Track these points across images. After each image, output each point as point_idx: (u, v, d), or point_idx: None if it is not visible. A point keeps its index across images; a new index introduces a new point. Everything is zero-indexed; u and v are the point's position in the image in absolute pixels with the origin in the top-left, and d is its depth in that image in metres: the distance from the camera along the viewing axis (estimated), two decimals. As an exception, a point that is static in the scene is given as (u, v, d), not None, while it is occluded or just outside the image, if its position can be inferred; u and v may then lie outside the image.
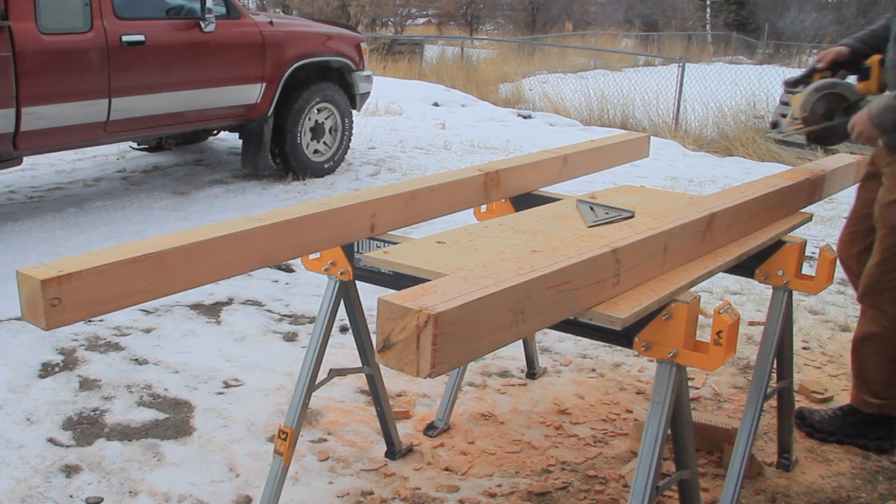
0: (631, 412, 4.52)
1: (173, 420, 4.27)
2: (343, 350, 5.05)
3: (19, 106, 6.75)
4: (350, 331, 3.82)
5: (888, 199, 3.89)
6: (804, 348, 5.43)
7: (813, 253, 6.23)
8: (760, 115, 14.76)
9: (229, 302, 5.88)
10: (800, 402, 4.57)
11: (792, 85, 3.81)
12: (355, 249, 3.29)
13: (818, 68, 3.76)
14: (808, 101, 3.57)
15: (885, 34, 3.90)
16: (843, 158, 4.17)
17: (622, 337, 2.68)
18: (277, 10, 38.41)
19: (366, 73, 10.16)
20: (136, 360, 4.89)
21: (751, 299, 6.31)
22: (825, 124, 3.72)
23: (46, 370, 4.70)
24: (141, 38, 7.55)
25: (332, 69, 9.82)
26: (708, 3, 48.10)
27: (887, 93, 3.58)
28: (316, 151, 9.67)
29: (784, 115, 3.67)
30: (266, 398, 4.52)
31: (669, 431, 2.82)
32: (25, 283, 2.27)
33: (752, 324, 5.81)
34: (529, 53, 29.67)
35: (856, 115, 3.63)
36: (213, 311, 5.71)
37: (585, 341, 5.28)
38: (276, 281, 6.32)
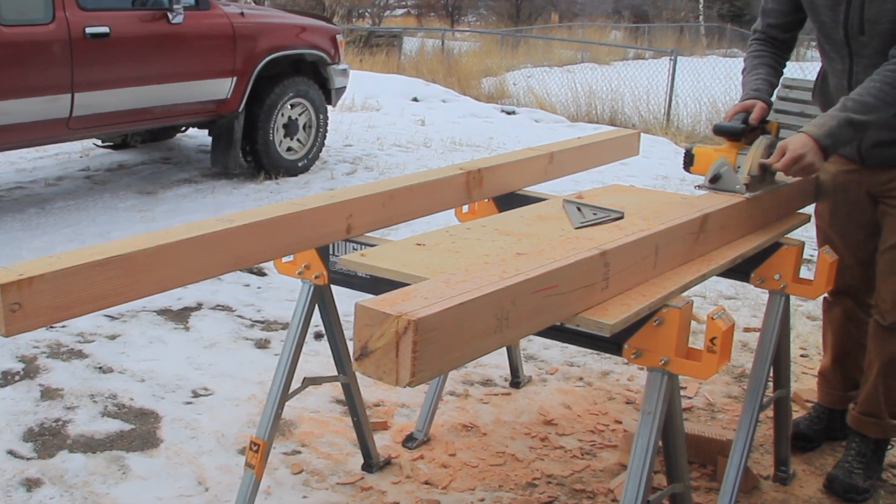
0: (620, 423, 4.53)
1: (139, 431, 4.26)
2: (318, 358, 5.05)
3: (-24, 101, 6.74)
4: (325, 337, 3.82)
5: None
6: (802, 356, 5.45)
7: (811, 255, 6.25)
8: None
9: (198, 307, 5.87)
10: (797, 412, 4.58)
11: (728, 133, 3.63)
12: (331, 252, 3.29)
13: (753, 126, 3.64)
14: (762, 157, 3.55)
15: (774, 79, 3.93)
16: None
17: (611, 344, 2.69)
18: (249, 0, 38.35)
19: (342, 66, 10.16)
20: (100, 368, 4.87)
21: (746, 304, 6.33)
22: (769, 181, 3.68)
23: (6, 379, 4.67)
24: (105, 29, 7.53)
25: (306, 63, 9.81)
26: (701, -7, 48.25)
27: (824, 115, 3.45)
28: (289, 149, 9.65)
29: (724, 167, 3.59)
30: (237, 408, 4.51)
31: (660, 443, 2.83)
32: (-17, 288, 2.26)
33: (747, 330, 5.83)
34: (513, 46, 29.64)
35: (791, 147, 3.40)
36: (181, 316, 5.70)
37: (572, 348, 5.28)
38: (248, 285, 6.32)
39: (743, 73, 4.01)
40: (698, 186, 3.52)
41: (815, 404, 4.50)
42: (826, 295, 4.21)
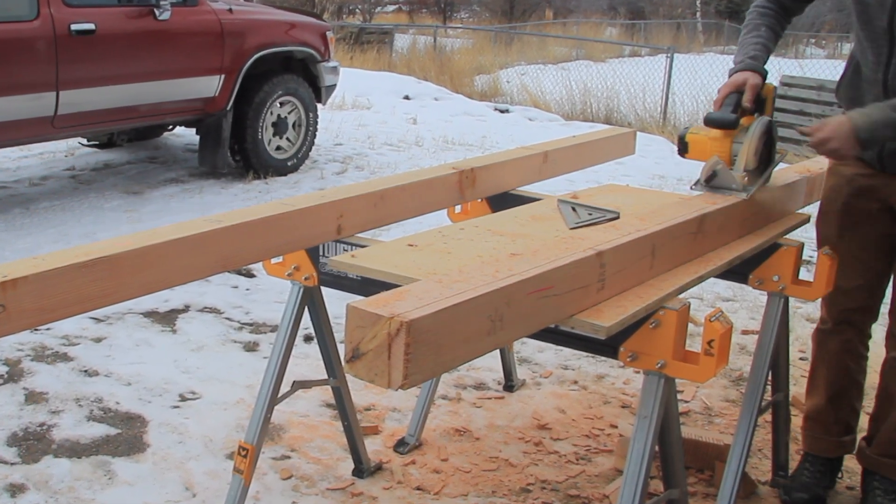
0: (616, 427, 4.53)
1: (125, 436, 4.25)
2: (307, 361, 5.05)
3: (-41, 99, 6.73)
4: (315, 340, 3.81)
5: None
6: (801, 359, 5.46)
7: (811, 256, 6.26)
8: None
9: (185, 309, 5.86)
10: (796, 415, 4.59)
11: (720, 126, 3.46)
12: (321, 253, 3.29)
13: (747, 108, 3.47)
14: (758, 149, 3.44)
15: (772, 43, 3.72)
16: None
17: (607, 347, 2.69)
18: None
19: (332, 64, 10.15)
20: (85, 371, 4.86)
21: (744, 306, 6.33)
22: (768, 172, 3.58)
23: (-12, 383, 4.68)
24: (91, 26, 7.51)
25: (295, 60, 9.81)
26: (698, -11, 48.31)
27: (875, 105, 3.33)
28: (278, 148, 9.64)
29: (720, 165, 3.49)
30: (225, 412, 4.51)
31: (657, 448, 2.83)
32: (-34, 290, 2.26)
33: (745, 332, 5.84)
34: (507, 43, 29.69)
35: (826, 127, 3.33)
36: (168, 319, 5.69)
37: (567, 351, 5.28)
38: (236, 287, 6.31)
39: (743, 28, 3.81)
40: (693, 186, 3.45)
41: (808, 455, 4.11)
42: (819, 325, 4.00)
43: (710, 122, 3.46)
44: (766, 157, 3.45)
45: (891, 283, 3.83)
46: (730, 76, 3.55)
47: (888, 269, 3.77)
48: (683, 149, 3.62)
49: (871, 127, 3.21)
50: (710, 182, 3.39)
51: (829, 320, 3.93)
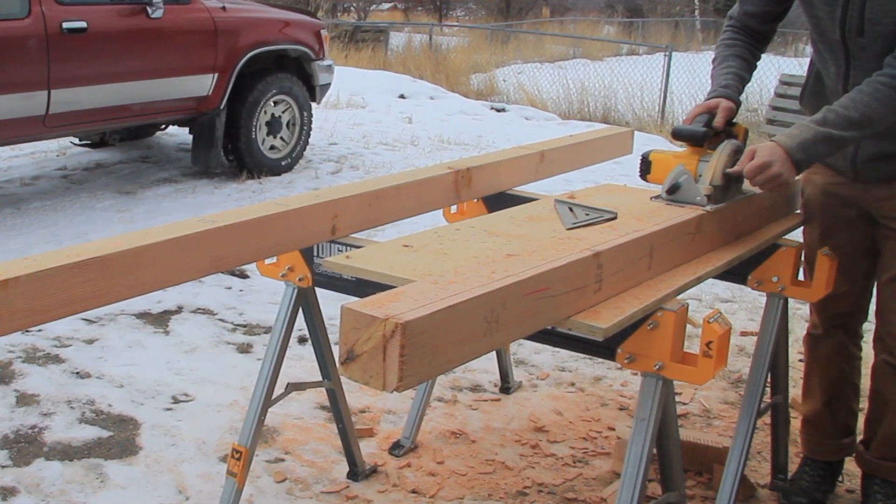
0: (613, 430, 4.53)
1: (118, 438, 4.25)
2: (301, 362, 5.05)
3: (-51, 98, 6.72)
4: (309, 341, 3.81)
5: None
6: (800, 360, 5.43)
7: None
8: (753, 107, 14.85)
9: (178, 310, 5.86)
10: (795, 417, 4.59)
11: (689, 139, 3.35)
12: (315, 253, 3.29)
13: (717, 129, 3.38)
14: (727, 166, 3.35)
15: (746, 73, 3.64)
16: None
17: (604, 348, 2.69)
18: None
19: (326, 62, 10.15)
20: (77, 373, 4.86)
21: (743, 307, 6.34)
22: (734, 192, 3.38)
23: (-21, 385, 4.67)
24: (83, 24, 7.51)
25: (289, 58, 9.81)
26: (696, -13, 48.29)
27: (798, 125, 3.19)
28: (272, 147, 9.64)
29: (684, 176, 3.39)
30: (218, 414, 4.51)
31: (655, 451, 2.83)
32: (-44, 291, 2.26)
33: (744, 334, 5.84)
34: (503, 41, 29.68)
35: (759, 154, 3.15)
36: (160, 320, 5.69)
37: (564, 353, 5.28)
38: (230, 288, 6.31)
39: (713, 62, 3.71)
40: (654, 198, 3.34)
41: (808, 459, 4.08)
42: (810, 329, 3.96)
43: (678, 134, 3.39)
44: (735, 178, 3.31)
45: (875, 285, 3.77)
46: None
47: (873, 270, 3.71)
48: (646, 169, 3.52)
49: (802, 146, 3.12)
50: (673, 194, 3.28)
51: (819, 325, 3.90)
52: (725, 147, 3.30)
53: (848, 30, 3.25)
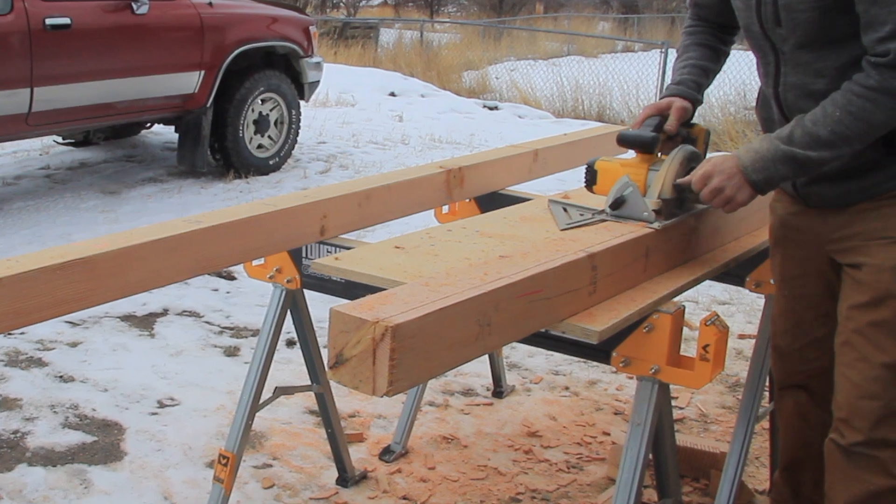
0: (608, 435, 4.54)
1: (102, 443, 4.25)
2: (290, 366, 5.04)
3: (-71, 95, 6.71)
4: (297, 345, 3.82)
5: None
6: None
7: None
8: (751, 106, 14.83)
9: (164, 313, 5.85)
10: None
11: (635, 145, 3.03)
12: (303, 255, 3.29)
13: (670, 133, 3.04)
14: (678, 176, 3.12)
15: (710, 62, 3.24)
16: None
17: (599, 351, 2.69)
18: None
19: (315, 59, 10.15)
20: (60, 377, 4.85)
21: (741, 310, 6.34)
22: (681, 210, 3.06)
23: (-41, 389, 4.67)
24: (66, 20, 7.51)
25: (277, 55, 9.82)
26: (692, -18, 48.23)
27: (764, 137, 2.79)
28: (260, 146, 9.64)
29: (629, 189, 3.15)
30: (205, 419, 4.50)
31: (651, 456, 2.83)
32: (-63, 293, 2.26)
33: (742, 337, 5.85)
34: (496, 38, 29.68)
35: (712, 171, 2.80)
36: (146, 322, 5.68)
37: (558, 356, 5.29)
38: (216, 290, 6.31)
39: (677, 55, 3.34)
40: (596, 213, 3.06)
41: None
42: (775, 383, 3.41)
43: (623, 140, 3.06)
44: (689, 193, 2.98)
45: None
46: None
47: (831, 333, 2.97)
48: (591, 179, 3.15)
49: (760, 165, 2.73)
50: (617, 209, 3.00)
51: (777, 381, 3.37)
52: (677, 154, 2.99)
53: (765, 20, 2.82)
